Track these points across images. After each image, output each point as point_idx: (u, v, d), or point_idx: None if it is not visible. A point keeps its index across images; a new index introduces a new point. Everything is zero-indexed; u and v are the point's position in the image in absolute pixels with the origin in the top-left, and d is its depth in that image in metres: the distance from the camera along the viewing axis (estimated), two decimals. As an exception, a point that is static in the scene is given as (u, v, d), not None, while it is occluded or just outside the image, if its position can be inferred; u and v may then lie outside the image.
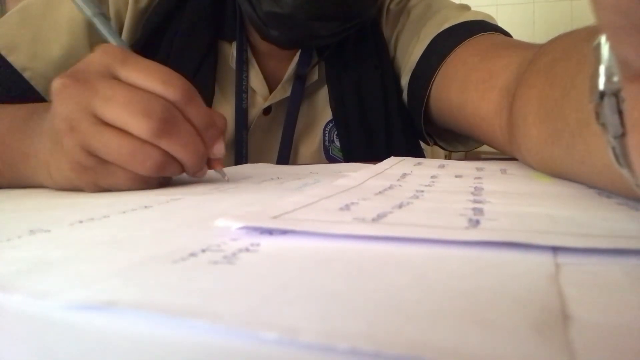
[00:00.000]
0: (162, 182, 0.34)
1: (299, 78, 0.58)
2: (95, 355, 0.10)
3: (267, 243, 0.17)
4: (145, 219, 0.22)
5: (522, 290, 0.12)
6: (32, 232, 0.20)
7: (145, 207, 0.25)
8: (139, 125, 0.30)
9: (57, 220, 0.22)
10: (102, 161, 0.31)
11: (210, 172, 0.36)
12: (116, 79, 0.31)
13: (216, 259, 0.15)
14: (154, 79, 0.31)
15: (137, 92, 0.30)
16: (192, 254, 0.15)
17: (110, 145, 0.30)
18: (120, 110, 0.30)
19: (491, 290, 0.12)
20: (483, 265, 0.14)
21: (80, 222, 0.22)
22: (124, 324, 0.11)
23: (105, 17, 0.39)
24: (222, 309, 0.11)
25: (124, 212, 0.24)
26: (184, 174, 0.34)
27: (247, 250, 0.16)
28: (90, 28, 0.54)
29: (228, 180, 0.35)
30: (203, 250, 0.16)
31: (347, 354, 0.09)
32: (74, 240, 0.18)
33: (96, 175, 0.31)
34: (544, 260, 0.14)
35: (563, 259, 0.14)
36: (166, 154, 0.31)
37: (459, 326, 0.10)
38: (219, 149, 0.34)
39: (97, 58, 0.32)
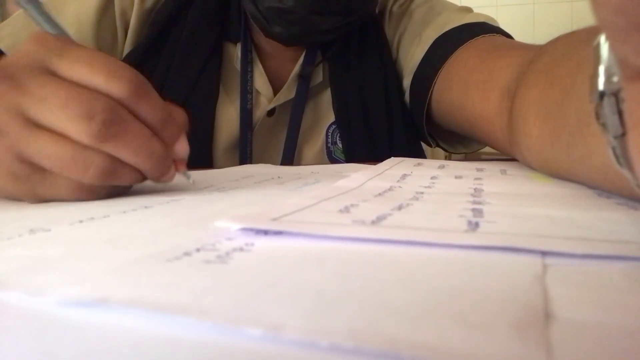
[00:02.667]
0: (116, 191, 0.30)
1: (303, 78, 0.58)
2: (90, 351, 0.10)
3: (261, 243, 0.17)
4: (144, 219, 0.22)
5: (507, 290, 0.12)
6: (32, 231, 0.20)
7: (145, 207, 0.25)
8: (78, 129, 0.26)
9: (57, 219, 0.22)
10: (39, 169, 0.27)
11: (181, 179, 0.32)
12: (52, 73, 0.27)
13: (209, 258, 0.15)
14: (96, 72, 0.27)
15: (75, 91, 0.26)
16: (187, 253, 0.15)
17: (45, 151, 0.26)
18: (56, 113, 0.26)
19: (476, 289, 0.12)
20: (471, 265, 0.14)
21: (81, 221, 0.22)
22: (119, 321, 0.11)
23: (39, 3, 0.32)
24: (210, 306, 0.11)
25: (124, 212, 0.24)
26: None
27: (241, 249, 0.16)
28: (97, 29, 0.55)
29: (194, 183, 0.31)
30: (197, 250, 0.16)
31: (329, 350, 0.09)
32: (73, 239, 0.19)
33: (33, 185, 0.27)
34: (532, 260, 0.14)
35: (551, 259, 0.14)
36: (113, 159, 0.27)
37: (440, 324, 0.10)
38: (181, 148, 0.30)
39: (29, 50, 0.28)
